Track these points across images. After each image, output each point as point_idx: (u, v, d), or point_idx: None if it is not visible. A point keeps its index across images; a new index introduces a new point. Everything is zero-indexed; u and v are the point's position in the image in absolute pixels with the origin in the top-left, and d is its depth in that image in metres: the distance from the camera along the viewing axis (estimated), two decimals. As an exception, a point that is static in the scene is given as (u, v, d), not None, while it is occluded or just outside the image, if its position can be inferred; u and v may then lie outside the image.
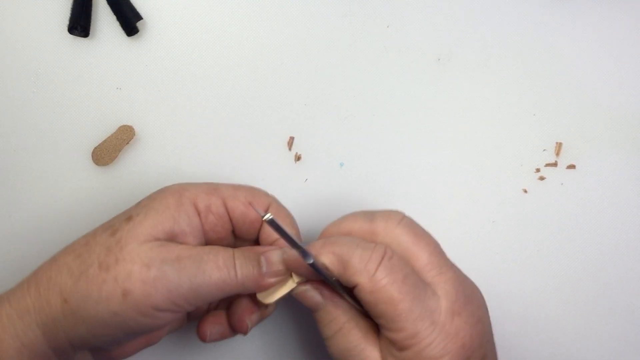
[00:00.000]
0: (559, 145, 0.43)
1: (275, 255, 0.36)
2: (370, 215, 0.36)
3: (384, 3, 0.43)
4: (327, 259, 0.34)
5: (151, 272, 0.33)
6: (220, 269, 0.34)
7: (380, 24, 0.43)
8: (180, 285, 0.33)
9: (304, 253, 0.33)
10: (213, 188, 0.37)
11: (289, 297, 0.36)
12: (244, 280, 0.35)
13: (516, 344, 0.44)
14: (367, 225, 0.36)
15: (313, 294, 0.36)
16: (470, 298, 0.35)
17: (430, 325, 0.33)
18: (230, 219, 0.37)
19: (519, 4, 0.43)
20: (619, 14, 0.43)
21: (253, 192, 0.37)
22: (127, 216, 0.35)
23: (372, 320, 0.35)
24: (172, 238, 0.35)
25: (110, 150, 0.42)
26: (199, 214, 0.36)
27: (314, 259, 0.34)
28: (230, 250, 0.35)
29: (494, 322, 0.43)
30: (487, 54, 0.43)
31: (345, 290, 0.35)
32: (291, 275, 0.36)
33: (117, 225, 0.35)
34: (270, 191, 0.39)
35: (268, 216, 0.32)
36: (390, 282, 0.33)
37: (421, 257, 0.34)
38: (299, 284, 0.35)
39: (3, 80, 0.42)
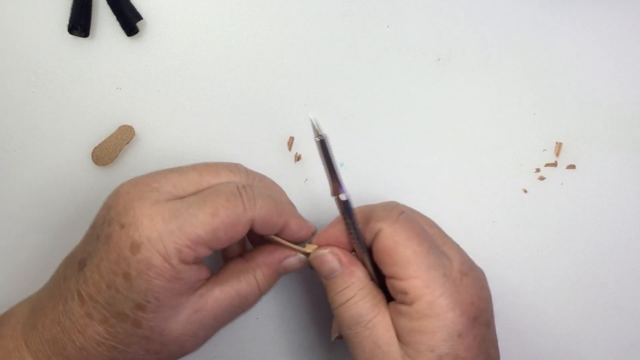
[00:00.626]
0: (559, 145, 0.43)
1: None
2: (369, 212, 0.36)
3: (384, 3, 0.43)
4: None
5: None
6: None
7: (380, 24, 0.43)
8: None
9: (340, 185, 0.35)
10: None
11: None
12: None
13: (516, 343, 0.44)
14: (364, 224, 0.36)
15: (331, 259, 0.36)
16: (474, 267, 0.37)
17: (442, 276, 0.34)
18: None
19: (519, 4, 0.43)
20: (619, 14, 0.43)
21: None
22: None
23: (383, 292, 0.36)
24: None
25: (110, 150, 0.42)
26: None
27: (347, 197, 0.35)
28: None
29: (495, 322, 0.43)
30: (487, 54, 0.43)
31: (365, 250, 0.36)
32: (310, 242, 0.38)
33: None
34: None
35: (322, 135, 0.33)
36: (410, 228, 0.35)
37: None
38: (317, 248, 0.37)
39: (3, 80, 0.42)
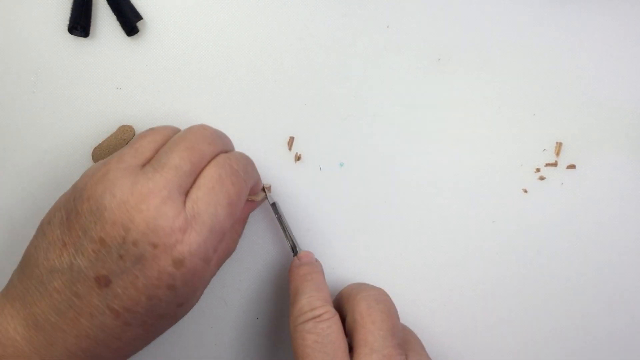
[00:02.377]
0: (559, 145, 0.43)
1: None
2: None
3: (384, 3, 0.43)
4: (293, 280, 0.40)
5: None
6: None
7: (380, 24, 0.43)
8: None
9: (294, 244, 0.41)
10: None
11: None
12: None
13: (516, 343, 0.44)
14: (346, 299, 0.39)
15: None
16: None
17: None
18: None
19: (519, 4, 0.43)
20: (619, 14, 0.43)
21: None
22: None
23: None
24: None
25: (110, 150, 0.42)
26: None
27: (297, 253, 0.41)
28: None
29: (495, 322, 0.43)
30: (487, 54, 0.43)
31: None
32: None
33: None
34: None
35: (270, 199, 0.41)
36: (305, 339, 0.36)
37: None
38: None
39: (3, 80, 0.42)
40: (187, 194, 0.35)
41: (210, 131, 0.38)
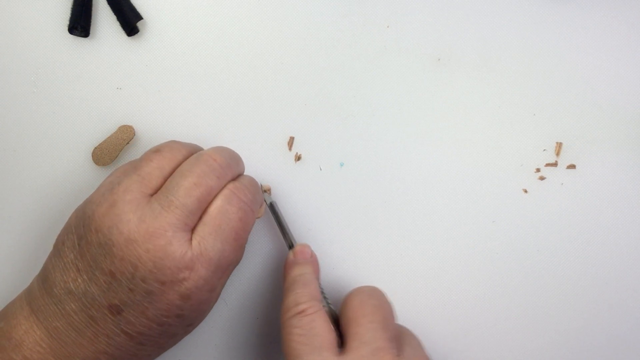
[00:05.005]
0: (559, 145, 0.43)
1: None
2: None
3: (384, 3, 0.43)
4: (288, 274, 0.40)
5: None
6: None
7: (380, 24, 0.43)
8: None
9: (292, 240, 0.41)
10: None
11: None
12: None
13: (516, 343, 0.44)
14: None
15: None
16: None
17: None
18: None
19: (519, 4, 0.43)
20: (620, 14, 0.43)
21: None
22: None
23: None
24: None
25: (110, 150, 0.42)
26: None
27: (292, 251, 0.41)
28: None
29: (494, 322, 0.43)
30: (487, 54, 0.43)
31: None
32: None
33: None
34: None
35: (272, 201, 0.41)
36: (291, 334, 0.36)
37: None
38: None
39: (3, 80, 0.42)
40: (194, 229, 0.36)
41: (220, 162, 0.37)
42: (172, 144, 0.38)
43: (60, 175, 0.43)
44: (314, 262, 0.41)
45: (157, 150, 0.38)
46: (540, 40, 0.43)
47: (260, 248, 0.44)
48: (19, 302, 0.37)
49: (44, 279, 0.37)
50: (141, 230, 0.34)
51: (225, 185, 0.37)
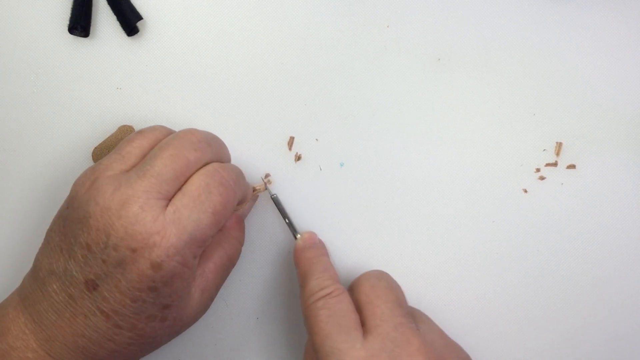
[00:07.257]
0: (559, 145, 0.43)
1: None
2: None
3: (384, 3, 0.43)
4: (299, 260, 0.41)
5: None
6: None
7: (380, 24, 0.43)
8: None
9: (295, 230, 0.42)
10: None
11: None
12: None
13: (516, 343, 0.44)
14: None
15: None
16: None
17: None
18: None
19: (519, 4, 0.43)
20: (620, 14, 0.43)
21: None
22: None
23: None
24: None
25: (110, 150, 0.42)
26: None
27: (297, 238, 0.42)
28: None
29: (494, 322, 0.43)
30: (487, 54, 0.43)
31: None
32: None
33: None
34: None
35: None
36: (318, 316, 0.37)
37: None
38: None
39: (3, 80, 0.42)
40: (171, 199, 0.35)
41: (198, 137, 0.37)
42: (155, 126, 0.39)
43: (61, 175, 0.43)
44: (323, 247, 0.42)
45: (139, 132, 0.38)
46: (540, 40, 0.43)
47: (260, 248, 0.44)
48: (11, 295, 0.38)
49: (33, 267, 0.38)
50: (115, 198, 0.34)
51: (208, 162, 0.37)
